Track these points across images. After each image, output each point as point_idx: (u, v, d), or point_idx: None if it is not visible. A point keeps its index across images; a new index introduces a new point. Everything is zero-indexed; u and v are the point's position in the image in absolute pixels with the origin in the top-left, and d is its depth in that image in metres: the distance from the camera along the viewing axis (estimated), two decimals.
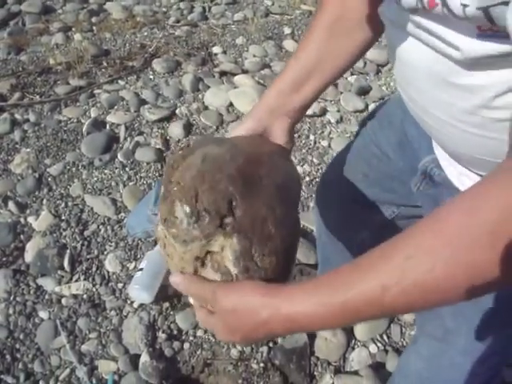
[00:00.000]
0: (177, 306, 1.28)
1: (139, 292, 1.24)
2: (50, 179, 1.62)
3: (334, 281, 0.43)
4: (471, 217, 0.37)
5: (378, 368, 1.18)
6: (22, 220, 1.49)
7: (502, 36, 0.39)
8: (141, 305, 1.28)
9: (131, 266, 1.38)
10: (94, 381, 1.14)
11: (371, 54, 2.22)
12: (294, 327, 0.45)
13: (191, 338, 1.23)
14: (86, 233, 1.46)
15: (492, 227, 0.35)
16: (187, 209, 0.50)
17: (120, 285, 1.33)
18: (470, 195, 0.39)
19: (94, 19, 2.49)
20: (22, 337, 1.22)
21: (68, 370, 1.16)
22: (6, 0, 2.56)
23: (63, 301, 1.29)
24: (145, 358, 1.16)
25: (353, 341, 1.24)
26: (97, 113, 1.89)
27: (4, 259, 1.38)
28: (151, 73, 2.13)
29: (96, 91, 2.00)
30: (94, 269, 1.37)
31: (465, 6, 0.39)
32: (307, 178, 1.68)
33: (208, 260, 0.52)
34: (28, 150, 1.72)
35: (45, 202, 1.54)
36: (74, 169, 1.66)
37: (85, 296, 1.30)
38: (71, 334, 1.22)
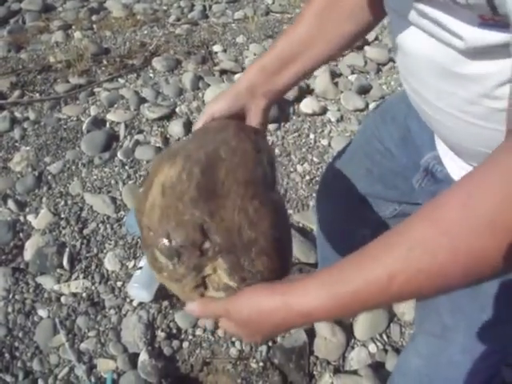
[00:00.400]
0: (176, 305, 1.27)
1: (138, 290, 1.23)
2: (49, 177, 1.62)
3: (340, 273, 0.44)
4: (470, 205, 0.37)
5: (378, 367, 1.18)
6: (21, 218, 1.49)
7: (504, 25, 0.39)
8: (140, 303, 1.28)
9: (130, 264, 1.38)
10: (92, 379, 1.14)
11: (372, 52, 2.22)
12: (309, 320, 0.47)
13: (190, 337, 1.23)
14: (86, 231, 1.46)
15: (491, 216, 0.36)
16: (165, 253, 0.51)
17: (119, 283, 1.33)
18: (467, 182, 0.39)
19: (94, 17, 2.49)
20: (20, 335, 1.21)
21: (67, 369, 1.16)
22: None
23: (62, 299, 1.28)
24: (144, 357, 1.16)
25: (352, 340, 1.23)
26: (97, 111, 1.88)
27: (3, 257, 1.37)
28: (151, 71, 2.12)
29: (96, 89, 2.00)
30: (93, 267, 1.37)
31: None
32: (307, 177, 1.67)
33: (208, 282, 0.53)
34: (28, 148, 1.72)
35: (44, 200, 1.54)
36: (73, 167, 1.66)
37: (84, 294, 1.30)
38: (70, 333, 1.22)
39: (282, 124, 1.88)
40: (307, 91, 2.04)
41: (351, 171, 0.89)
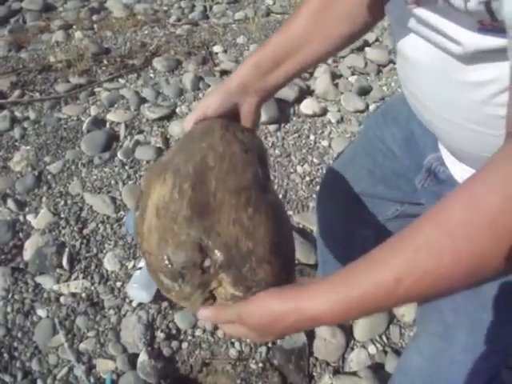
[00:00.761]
0: (175, 306, 1.27)
1: (138, 291, 1.23)
2: (49, 177, 1.62)
3: (348, 278, 0.45)
4: (472, 206, 0.38)
5: (377, 369, 1.18)
6: (20, 218, 1.48)
7: (502, 30, 0.39)
8: (139, 304, 1.28)
9: (130, 264, 1.38)
10: (92, 380, 1.14)
11: (372, 54, 2.23)
12: (318, 323, 0.48)
13: (190, 338, 1.23)
14: (85, 231, 1.46)
15: (493, 217, 0.36)
16: (169, 276, 0.52)
17: (119, 283, 1.33)
18: (470, 183, 0.39)
19: (94, 17, 2.49)
20: (19, 335, 1.21)
21: (66, 369, 1.16)
22: None
23: (61, 299, 1.28)
24: (143, 357, 1.15)
25: (352, 341, 1.23)
26: (97, 111, 1.88)
27: (2, 257, 1.37)
28: (152, 71, 2.12)
29: (96, 89, 2.00)
30: (92, 267, 1.36)
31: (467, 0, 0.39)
32: (307, 178, 1.67)
33: (216, 294, 0.54)
34: (28, 147, 1.72)
35: (44, 200, 1.54)
36: (73, 167, 1.66)
37: (83, 294, 1.30)
38: (69, 333, 1.22)
39: (283, 125, 1.88)
40: (307, 92, 2.04)
41: (353, 172, 0.89)
